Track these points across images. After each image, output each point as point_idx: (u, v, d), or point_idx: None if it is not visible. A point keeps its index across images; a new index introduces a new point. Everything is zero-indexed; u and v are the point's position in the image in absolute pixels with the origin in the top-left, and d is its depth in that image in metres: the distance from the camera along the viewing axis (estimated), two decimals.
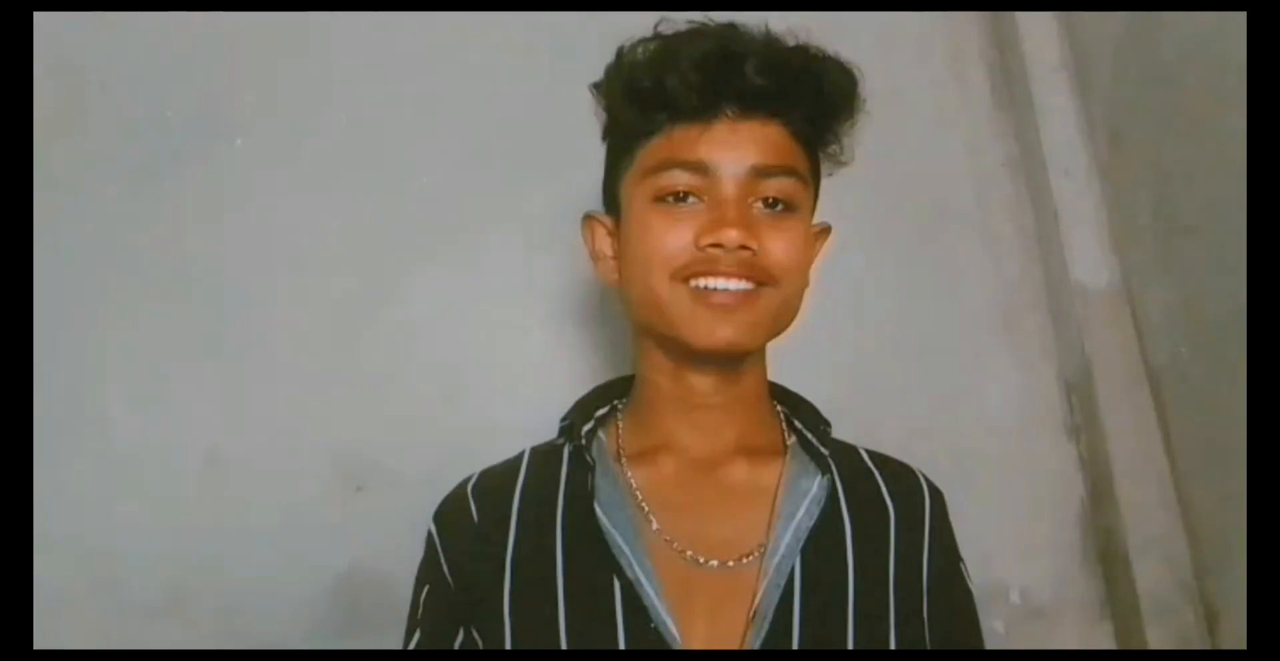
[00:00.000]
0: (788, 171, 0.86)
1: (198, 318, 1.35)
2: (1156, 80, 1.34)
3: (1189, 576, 1.32)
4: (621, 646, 0.79)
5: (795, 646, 0.79)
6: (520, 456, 0.95)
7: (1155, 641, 1.29)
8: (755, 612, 0.80)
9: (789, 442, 0.93)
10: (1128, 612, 1.33)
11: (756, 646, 0.78)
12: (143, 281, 1.35)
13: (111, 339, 1.33)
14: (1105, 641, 1.36)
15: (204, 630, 1.25)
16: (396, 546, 1.27)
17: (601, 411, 0.96)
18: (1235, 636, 1.26)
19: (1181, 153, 1.30)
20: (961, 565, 0.93)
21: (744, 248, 0.82)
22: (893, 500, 0.90)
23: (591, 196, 1.41)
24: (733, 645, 0.80)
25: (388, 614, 1.26)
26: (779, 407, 0.97)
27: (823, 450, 0.89)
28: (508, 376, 1.37)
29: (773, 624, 0.79)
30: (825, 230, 0.96)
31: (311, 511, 1.29)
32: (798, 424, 0.94)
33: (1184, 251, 1.32)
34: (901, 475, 0.94)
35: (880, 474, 0.92)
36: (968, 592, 0.92)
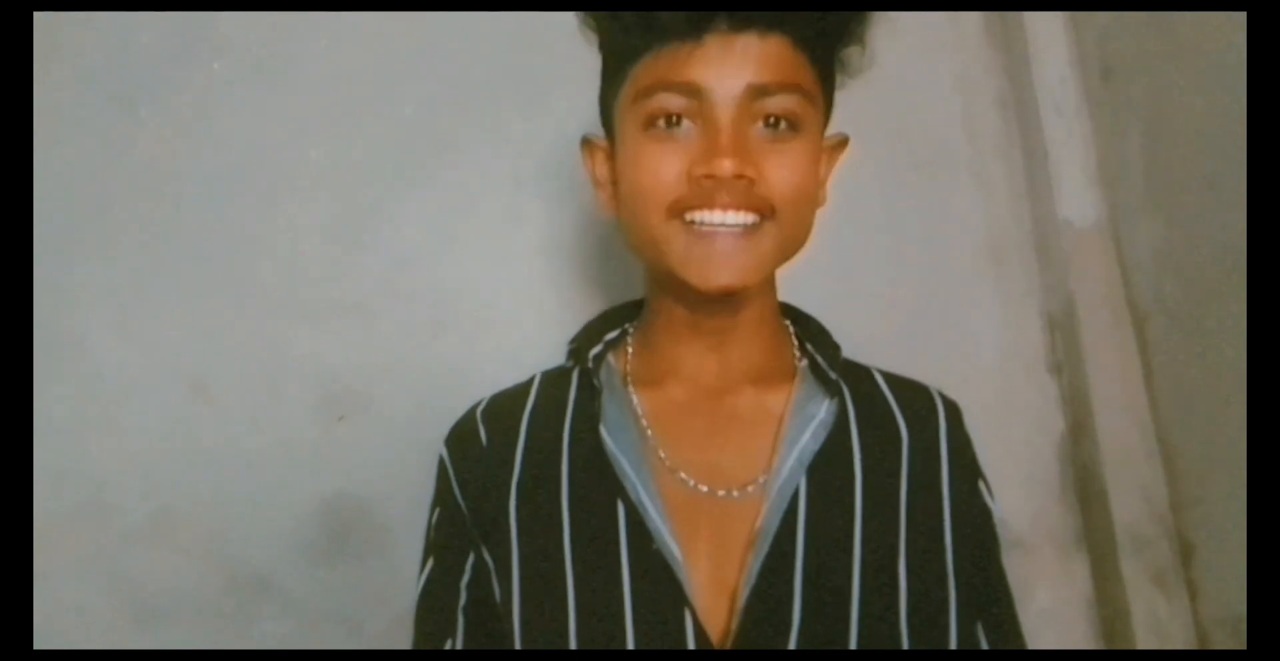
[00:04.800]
0: (789, 88, 0.79)
1: (180, 246, 1.34)
2: (1150, 16, 1.32)
3: (1165, 510, 1.33)
4: (624, 568, 0.79)
5: (799, 568, 0.78)
6: (531, 380, 0.95)
7: (1130, 573, 1.31)
8: (757, 534, 0.79)
9: (799, 366, 0.91)
10: (1104, 545, 1.35)
11: (757, 568, 0.78)
12: (124, 209, 1.34)
13: (93, 267, 1.32)
14: (1081, 572, 1.38)
15: (192, 554, 1.26)
16: (380, 473, 1.29)
17: (611, 335, 0.95)
18: (1208, 569, 1.28)
19: (1173, 90, 1.29)
20: (981, 482, 0.91)
21: (740, 177, 0.77)
22: (906, 422, 0.88)
23: (581, 126, 1.39)
24: (734, 567, 0.79)
25: (371, 538, 1.29)
26: (790, 327, 0.95)
27: (831, 374, 0.87)
28: (493, 306, 1.37)
29: (775, 544, 0.79)
30: (841, 143, 0.91)
31: (296, 439, 1.30)
32: (809, 346, 0.92)
33: (1172, 190, 1.31)
34: (915, 395, 0.92)
35: (893, 395, 0.90)
36: (985, 510, 0.90)
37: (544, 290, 1.38)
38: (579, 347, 0.93)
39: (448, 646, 0.88)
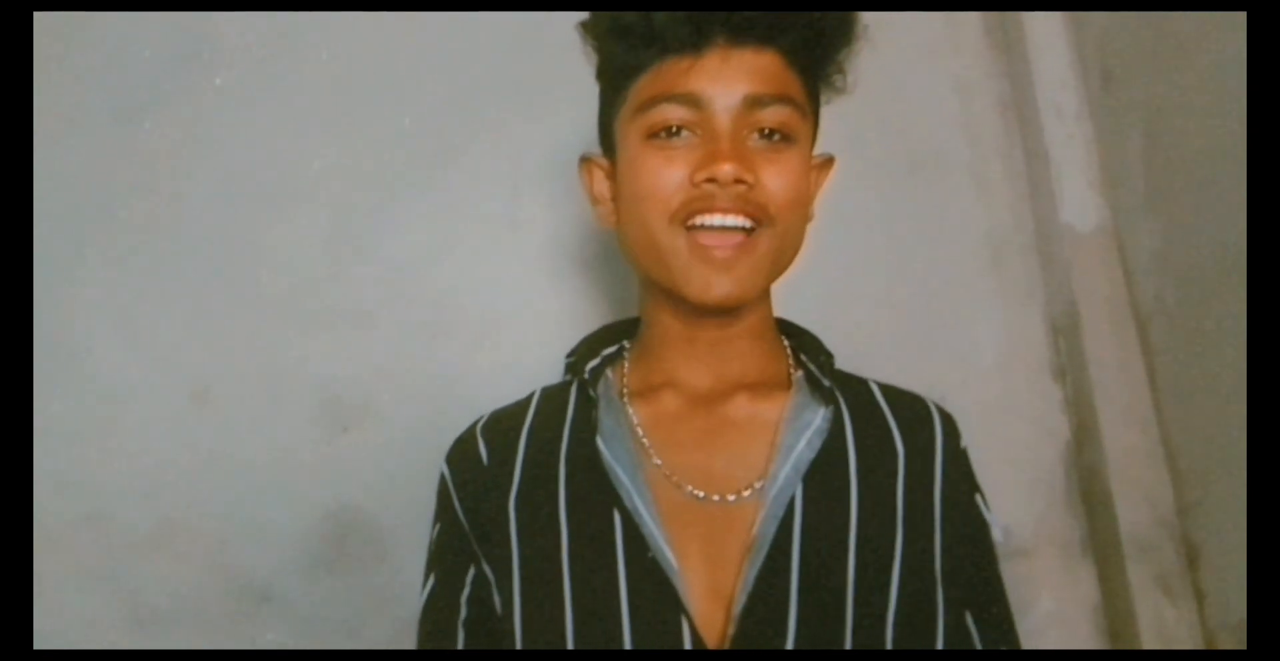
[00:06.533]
0: (783, 100, 0.83)
1: (182, 254, 1.34)
2: (1150, 18, 1.32)
3: (1170, 515, 1.33)
4: (621, 575, 0.80)
5: (794, 575, 0.79)
6: (530, 396, 0.96)
7: (1135, 578, 1.30)
8: (753, 541, 0.80)
9: (794, 376, 0.92)
10: (1109, 550, 1.34)
11: (753, 574, 0.78)
12: (126, 218, 1.35)
13: (97, 277, 1.33)
14: (1086, 577, 1.38)
15: (193, 564, 1.26)
16: (381, 483, 1.29)
17: (609, 350, 0.97)
18: (1214, 574, 1.27)
19: (1173, 93, 1.29)
20: (977, 495, 0.91)
21: (739, 182, 0.80)
22: (901, 431, 0.88)
23: (580, 133, 1.39)
24: (730, 574, 0.80)
25: (372, 547, 1.29)
26: (785, 341, 0.96)
27: (825, 382, 0.88)
28: (495, 313, 1.37)
29: (770, 552, 0.79)
30: (828, 162, 0.94)
31: (298, 449, 1.30)
32: (803, 357, 0.93)
33: (1173, 192, 1.31)
34: (911, 405, 0.92)
35: (888, 405, 0.91)
36: (981, 522, 0.90)
37: (545, 297, 1.38)
38: (576, 361, 0.95)
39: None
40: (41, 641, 1.17)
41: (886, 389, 0.94)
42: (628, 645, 0.78)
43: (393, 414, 1.31)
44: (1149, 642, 1.28)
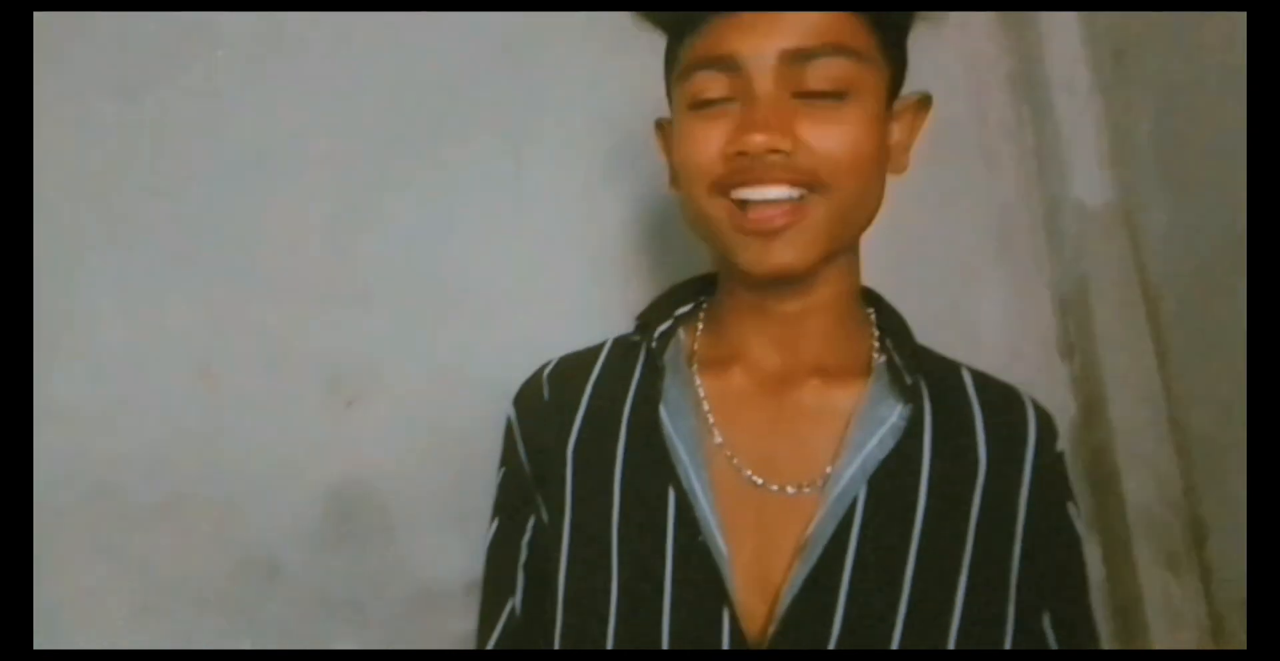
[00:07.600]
0: (834, 51, 0.75)
1: (187, 233, 1.33)
2: None
3: (1178, 494, 1.32)
4: (668, 555, 0.78)
5: (845, 580, 0.75)
6: (601, 345, 0.93)
7: (1143, 556, 1.30)
8: (807, 540, 0.77)
9: (876, 362, 0.86)
10: (1116, 528, 1.34)
11: (804, 574, 0.75)
12: (131, 198, 1.33)
13: (102, 255, 1.32)
14: (1093, 555, 1.37)
15: (201, 538, 1.26)
16: (387, 458, 1.29)
17: (683, 309, 0.92)
18: (1222, 552, 1.27)
19: (1185, 69, 1.28)
20: (1069, 505, 0.86)
21: (774, 151, 0.74)
22: (988, 436, 0.82)
23: (585, 113, 1.39)
24: (779, 569, 0.77)
25: (378, 523, 1.29)
26: (872, 316, 0.91)
27: (908, 379, 0.83)
28: (499, 291, 1.36)
29: (824, 554, 0.76)
30: (920, 102, 0.87)
31: (303, 424, 1.29)
32: (889, 342, 0.88)
33: (1184, 169, 1.30)
34: (1006, 405, 0.86)
35: (980, 404, 0.85)
36: (1073, 532, 0.85)
37: (550, 275, 1.37)
38: (647, 322, 0.90)
39: (507, 608, 0.88)
40: (47, 618, 1.18)
41: (981, 381, 0.88)
42: (665, 629, 0.76)
43: (399, 391, 1.31)
44: (1155, 620, 1.27)
